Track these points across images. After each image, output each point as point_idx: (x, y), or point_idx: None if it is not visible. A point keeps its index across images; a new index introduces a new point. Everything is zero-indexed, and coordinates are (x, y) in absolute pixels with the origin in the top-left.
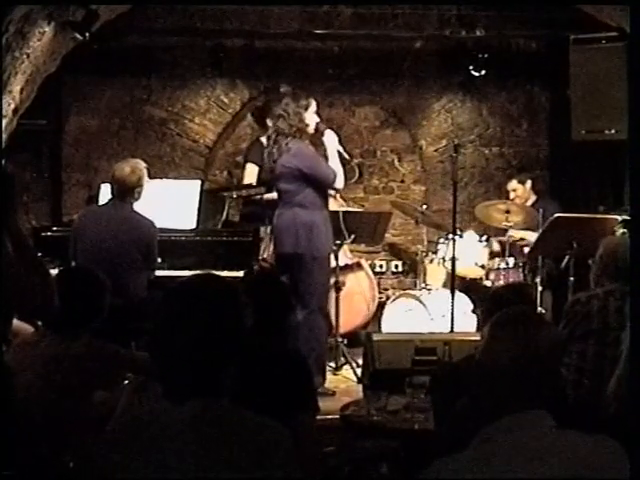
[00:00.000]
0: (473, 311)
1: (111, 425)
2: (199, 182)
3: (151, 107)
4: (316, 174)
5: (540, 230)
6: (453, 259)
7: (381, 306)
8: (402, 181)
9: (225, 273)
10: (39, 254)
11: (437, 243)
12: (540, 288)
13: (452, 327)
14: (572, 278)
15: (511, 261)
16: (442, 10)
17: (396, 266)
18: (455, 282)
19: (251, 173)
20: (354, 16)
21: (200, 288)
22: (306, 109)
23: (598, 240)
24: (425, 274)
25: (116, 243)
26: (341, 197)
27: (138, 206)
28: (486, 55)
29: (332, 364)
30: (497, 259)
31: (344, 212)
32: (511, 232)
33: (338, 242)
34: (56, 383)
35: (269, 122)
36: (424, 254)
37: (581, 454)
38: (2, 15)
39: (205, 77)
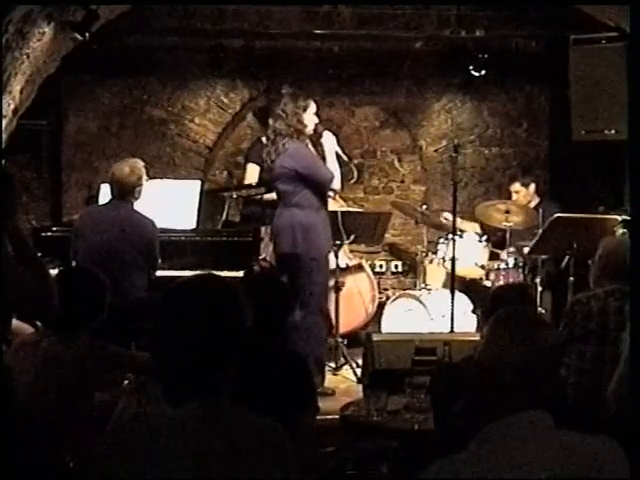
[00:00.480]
0: (473, 311)
1: (111, 425)
2: (199, 182)
3: (151, 107)
4: (312, 175)
5: (540, 230)
6: (453, 259)
7: (381, 306)
8: (402, 181)
9: (225, 273)
10: (39, 254)
11: (437, 243)
12: (540, 288)
13: (452, 327)
14: (572, 278)
15: (511, 261)
16: (442, 10)
17: (396, 266)
18: (455, 282)
19: (252, 173)
20: (354, 16)
21: (200, 288)
22: (304, 110)
23: (598, 240)
24: (425, 274)
25: (116, 243)
26: (341, 197)
27: (138, 206)
28: (486, 55)
29: (332, 364)
30: (497, 259)
31: (344, 212)
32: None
33: (338, 242)
34: (56, 383)
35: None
36: (424, 254)
37: (581, 454)
38: (2, 15)
39: (205, 77)
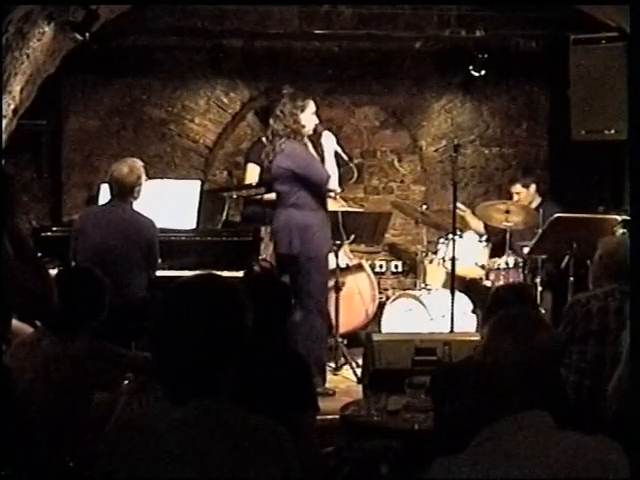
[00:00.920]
0: (473, 311)
1: (111, 425)
2: (199, 182)
3: (151, 107)
4: (308, 175)
5: (540, 230)
6: (453, 259)
7: (381, 306)
8: (402, 181)
9: (225, 273)
10: (39, 254)
11: (437, 243)
12: (540, 288)
13: (452, 327)
14: (572, 278)
15: (511, 261)
16: (442, 10)
17: (396, 266)
18: (455, 282)
19: (252, 173)
20: (354, 16)
21: (200, 288)
22: (302, 110)
23: (598, 240)
24: (425, 274)
25: (116, 243)
26: (341, 197)
27: (138, 206)
28: (486, 55)
29: (332, 364)
30: (497, 259)
31: (344, 212)
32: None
33: (338, 242)
34: (56, 383)
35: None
36: (424, 254)
37: (581, 454)
38: (2, 15)
39: (205, 77)
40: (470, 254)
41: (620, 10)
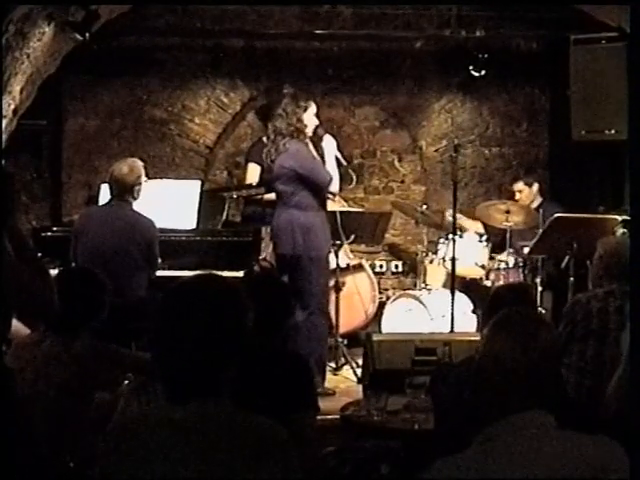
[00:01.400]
0: (473, 311)
1: (112, 425)
2: (199, 182)
3: (151, 107)
4: (311, 176)
5: (540, 230)
6: (453, 259)
7: (381, 306)
8: (402, 181)
9: (225, 273)
10: (39, 254)
11: (437, 243)
12: (540, 288)
13: (452, 327)
14: (572, 278)
15: (511, 261)
16: (442, 10)
17: (396, 266)
18: (455, 282)
19: (253, 173)
20: (354, 16)
21: (201, 288)
22: (305, 110)
23: (598, 240)
24: (425, 274)
25: (116, 243)
26: (341, 197)
27: (138, 206)
28: (486, 55)
29: (332, 364)
30: (497, 258)
31: (344, 212)
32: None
33: (338, 242)
34: (56, 383)
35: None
36: (424, 254)
37: (581, 454)
38: (2, 15)
39: (205, 77)
40: (470, 254)
41: (620, 10)
